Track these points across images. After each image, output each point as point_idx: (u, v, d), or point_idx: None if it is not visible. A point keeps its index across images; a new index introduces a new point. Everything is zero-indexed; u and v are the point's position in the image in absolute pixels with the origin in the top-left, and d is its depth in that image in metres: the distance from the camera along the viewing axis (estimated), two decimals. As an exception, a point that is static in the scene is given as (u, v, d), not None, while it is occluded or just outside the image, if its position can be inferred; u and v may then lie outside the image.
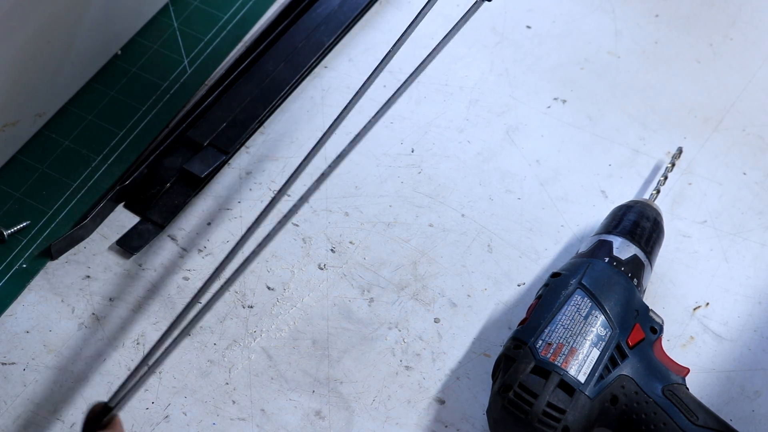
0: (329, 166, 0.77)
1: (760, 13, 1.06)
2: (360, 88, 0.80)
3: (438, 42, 0.83)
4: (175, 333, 0.73)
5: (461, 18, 0.83)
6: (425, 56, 0.83)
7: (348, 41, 1.04)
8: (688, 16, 1.06)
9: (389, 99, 0.81)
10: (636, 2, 1.07)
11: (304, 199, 0.76)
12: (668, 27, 1.05)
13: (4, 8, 0.87)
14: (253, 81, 1.00)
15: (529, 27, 1.05)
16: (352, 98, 0.80)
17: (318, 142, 0.78)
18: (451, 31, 0.83)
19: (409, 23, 0.83)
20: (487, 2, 0.85)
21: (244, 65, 1.00)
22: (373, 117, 0.80)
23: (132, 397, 0.73)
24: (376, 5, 1.05)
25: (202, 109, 0.98)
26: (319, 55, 1.02)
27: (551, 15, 1.06)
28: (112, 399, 0.73)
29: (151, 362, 0.73)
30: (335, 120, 0.79)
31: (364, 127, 0.79)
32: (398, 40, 0.81)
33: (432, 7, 0.83)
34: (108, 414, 0.73)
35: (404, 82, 0.81)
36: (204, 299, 0.74)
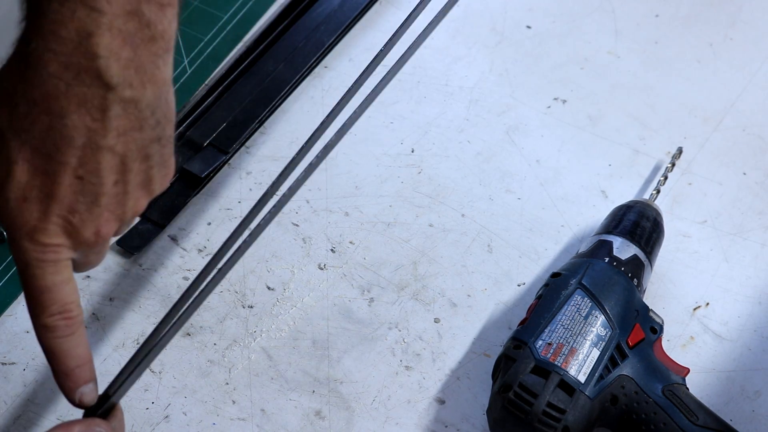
0: (317, 157, 0.77)
1: (760, 13, 1.06)
2: (355, 82, 0.81)
3: (421, 31, 0.84)
4: (171, 323, 0.73)
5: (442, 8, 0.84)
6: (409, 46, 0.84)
7: (348, 41, 1.04)
8: (688, 16, 1.06)
9: (376, 86, 0.81)
10: (636, 2, 1.07)
11: (293, 189, 0.76)
12: (668, 27, 1.05)
13: (4, 8, 0.87)
14: (253, 81, 1.00)
15: (529, 27, 1.05)
16: (348, 91, 0.80)
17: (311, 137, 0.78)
18: (434, 19, 0.84)
19: (404, 21, 0.84)
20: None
21: (244, 65, 1.00)
22: (363, 102, 0.80)
23: (131, 387, 0.73)
24: (376, 5, 1.05)
25: (202, 109, 0.98)
26: (319, 55, 1.02)
27: (551, 15, 1.06)
28: (110, 387, 0.73)
29: (147, 352, 0.73)
30: (329, 114, 0.80)
31: (354, 112, 0.80)
32: (393, 35, 0.82)
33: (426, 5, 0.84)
34: (107, 402, 0.72)
35: (389, 71, 0.82)
36: (198, 292, 0.74)
